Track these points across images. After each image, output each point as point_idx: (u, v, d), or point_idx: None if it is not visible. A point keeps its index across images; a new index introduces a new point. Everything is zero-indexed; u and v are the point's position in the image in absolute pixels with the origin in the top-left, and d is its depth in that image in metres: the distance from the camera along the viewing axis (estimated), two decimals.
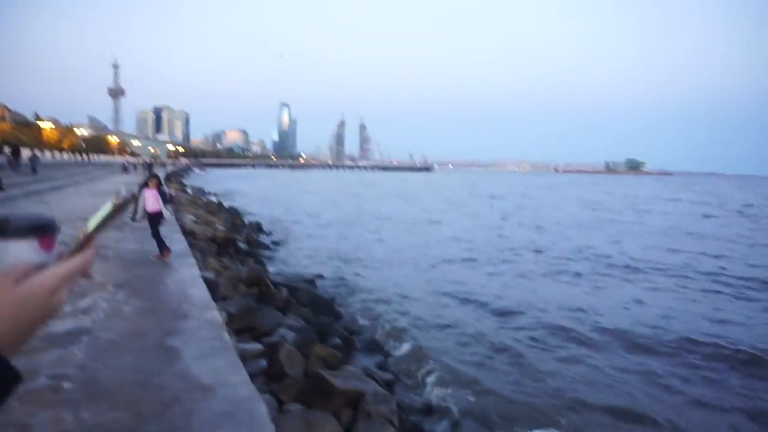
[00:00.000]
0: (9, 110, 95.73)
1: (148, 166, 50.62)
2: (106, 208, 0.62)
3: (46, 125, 73.19)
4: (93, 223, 0.61)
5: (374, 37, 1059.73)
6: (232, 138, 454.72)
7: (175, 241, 8.65)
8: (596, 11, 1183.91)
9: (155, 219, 7.69)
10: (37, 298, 0.56)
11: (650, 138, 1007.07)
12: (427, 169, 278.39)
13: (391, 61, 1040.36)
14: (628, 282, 12.49)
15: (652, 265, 14.49)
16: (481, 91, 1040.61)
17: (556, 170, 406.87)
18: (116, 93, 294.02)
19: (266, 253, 15.40)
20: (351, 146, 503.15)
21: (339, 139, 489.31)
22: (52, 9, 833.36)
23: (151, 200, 7.71)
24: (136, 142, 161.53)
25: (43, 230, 0.59)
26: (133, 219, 7.85)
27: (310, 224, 23.77)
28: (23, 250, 0.57)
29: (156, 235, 7.56)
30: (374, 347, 7.45)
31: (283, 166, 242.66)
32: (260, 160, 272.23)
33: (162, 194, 7.86)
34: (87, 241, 0.61)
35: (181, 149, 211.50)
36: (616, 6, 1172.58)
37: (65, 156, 60.22)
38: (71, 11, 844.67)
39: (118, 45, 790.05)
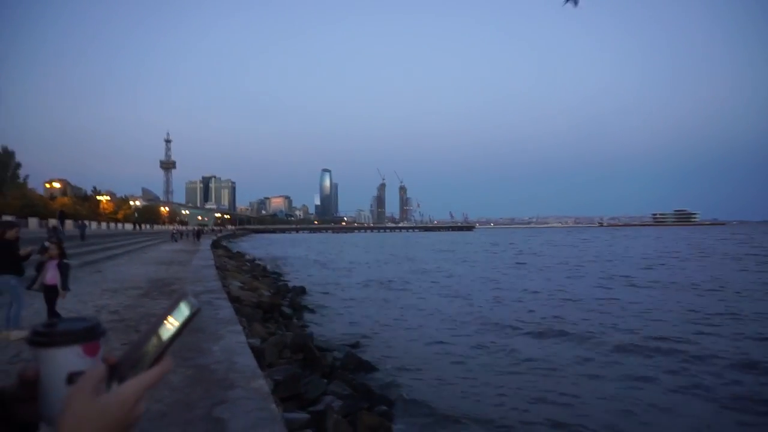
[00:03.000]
0: (70, 185, 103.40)
1: (197, 234, 52.55)
2: (181, 314, 0.58)
3: (102, 198, 78.32)
4: (168, 332, 0.60)
5: (414, 99, 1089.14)
6: (276, 204, 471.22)
7: (222, 307, 8.77)
8: (639, 58, 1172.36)
9: (51, 293, 6.94)
10: (120, 410, 0.57)
11: (700, 187, 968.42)
12: (468, 228, 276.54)
13: (430, 122, 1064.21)
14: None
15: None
16: (522, 147, 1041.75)
17: (601, 224, 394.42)
18: (168, 165, 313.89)
19: (310, 317, 15.41)
20: (391, 207, 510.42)
21: (379, 201, 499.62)
22: (108, 94, 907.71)
23: (50, 272, 6.96)
24: (185, 211, 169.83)
25: (88, 336, 0.60)
26: (29, 287, 7.08)
27: (352, 286, 23.82)
28: (70, 358, 0.58)
29: (50, 311, 6.84)
30: (417, 410, 7.32)
31: (326, 229, 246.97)
32: (303, 224, 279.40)
33: (62, 266, 7.08)
34: (163, 351, 0.61)
35: (227, 216, 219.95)
36: (663, 53, 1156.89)
37: (120, 226, 63.66)
38: (127, 91, 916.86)
39: (169, 118, 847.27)
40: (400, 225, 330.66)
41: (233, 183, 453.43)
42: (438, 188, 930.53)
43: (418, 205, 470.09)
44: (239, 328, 7.19)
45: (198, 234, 52.62)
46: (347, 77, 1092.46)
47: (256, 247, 69.36)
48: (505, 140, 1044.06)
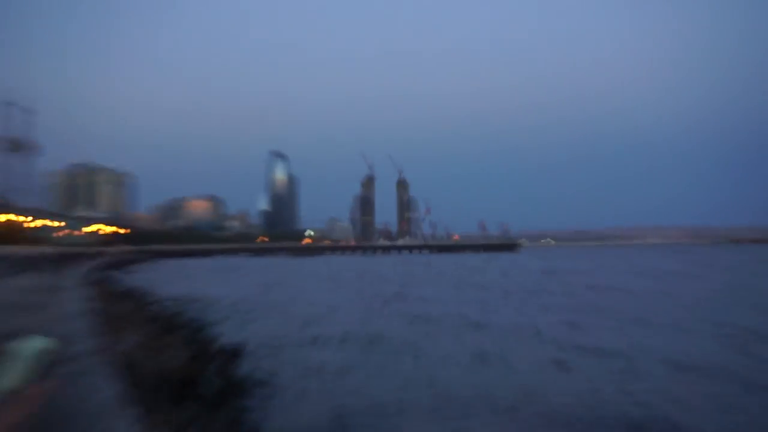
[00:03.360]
0: None
1: (59, 260, 52.21)
2: (26, 351, 1.14)
3: None
4: (11, 376, 1.13)
5: (419, 56, 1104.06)
6: (198, 209, 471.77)
7: (99, 385, 8.61)
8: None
9: None
10: None
11: None
12: (509, 246, 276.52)
13: (445, 86, 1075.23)
14: None
15: None
16: (595, 127, 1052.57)
17: (736, 241, 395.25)
18: (21, 147, 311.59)
19: (249, 400, 15.23)
20: (385, 214, 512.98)
21: (365, 204, 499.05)
22: None
23: None
24: (42, 221, 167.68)
25: None
26: None
27: (322, 345, 24.18)
28: None
29: None
30: None
31: (279, 250, 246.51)
32: (241, 243, 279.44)
33: None
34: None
35: (117, 230, 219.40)
36: None
37: None
38: None
39: (28, 76, 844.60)
40: (399, 243, 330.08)
41: (128, 177, 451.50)
42: (460, 185, 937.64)
43: (428, 211, 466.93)
44: (130, 418, 7.06)
45: (61, 260, 52.30)
46: (312, 16, 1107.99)
47: (165, 280, 69.10)
48: (566, 118, 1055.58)
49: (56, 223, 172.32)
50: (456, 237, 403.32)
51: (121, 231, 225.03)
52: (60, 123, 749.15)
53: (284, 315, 35.90)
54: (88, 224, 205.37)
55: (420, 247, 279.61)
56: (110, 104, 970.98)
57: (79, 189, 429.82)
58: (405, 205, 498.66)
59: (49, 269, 49.67)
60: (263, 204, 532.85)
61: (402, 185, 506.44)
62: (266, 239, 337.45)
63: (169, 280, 69.95)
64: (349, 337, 25.94)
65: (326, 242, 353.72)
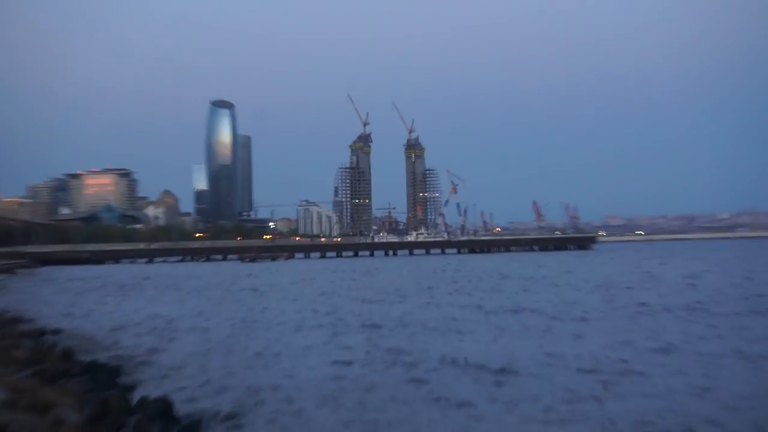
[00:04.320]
0: None
1: None
2: None
3: None
4: None
5: None
6: (97, 191, 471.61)
7: None
8: None
9: None
10: None
11: None
12: (580, 242, 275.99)
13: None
14: None
15: None
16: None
17: None
18: None
19: None
20: (388, 194, 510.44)
21: (357, 180, 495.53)
22: None
23: None
24: None
25: None
26: None
27: (296, 393, 24.75)
28: None
29: None
30: None
31: (222, 252, 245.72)
32: (165, 242, 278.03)
33: None
34: None
35: None
36: None
37: None
38: None
39: None
40: (411, 239, 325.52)
41: None
42: (501, 150, 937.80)
43: (454, 190, 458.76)
44: None
45: None
46: None
47: (49, 300, 69.65)
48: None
49: None
50: (498, 229, 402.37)
51: None
52: None
53: (241, 343, 36.99)
54: None
55: (442, 245, 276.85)
56: None
57: None
58: (419, 180, 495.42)
59: None
60: (199, 181, 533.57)
61: (414, 150, 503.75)
62: (201, 235, 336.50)
63: (55, 299, 69.97)
64: (345, 378, 26.94)
65: (295, 239, 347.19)
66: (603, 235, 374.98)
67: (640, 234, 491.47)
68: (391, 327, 45.32)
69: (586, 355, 32.57)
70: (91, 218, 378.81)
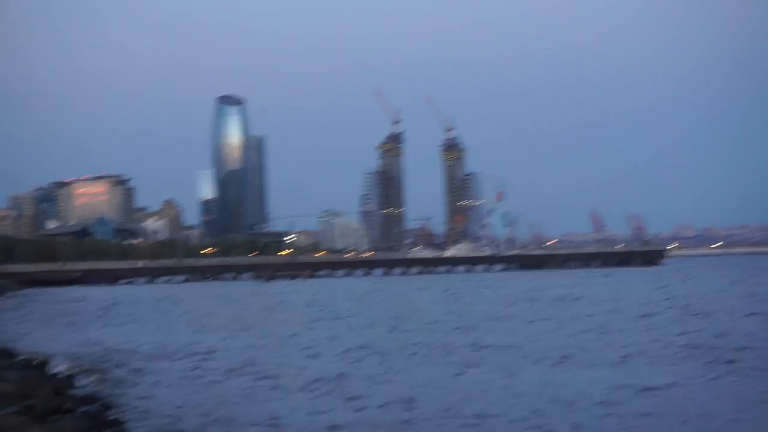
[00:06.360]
0: None
1: None
2: None
3: None
4: None
5: None
6: (92, 201, 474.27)
7: None
8: None
9: None
10: None
11: None
12: (647, 256, 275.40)
13: None
14: None
15: None
16: None
17: None
18: None
19: None
20: (423, 203, 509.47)
21: (387, 186, 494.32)
22: None
23: None
24: None
25: None
26: None
27: None
28: None
29: None
30: None
31: (234, 271, 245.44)
32: (168, 260, 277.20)
33: None
34: None
35: None
36: None
37: None
38: None
39: None
40: (450, 254, 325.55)
41: None
42: (554, 153, 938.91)
43: (500, 197, 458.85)
44: None
45: None
46: None
47: (36, 327, 70.20)
48: None
49: None
50: (554, 241, 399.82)
51: None
52: None
53: (260, 380, 36.88)
54: None
55: (487, 261, 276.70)
56: None
57: None
58: (458, 186, 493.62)
59: None
60: (205, 189, 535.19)
61: (452, 152, 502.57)
62: (209, 251, 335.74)
63: (36, 327, 70.34)
64: None
65: (316, 255, 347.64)
66: (676, 248, 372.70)
67: (717, 246, 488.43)
68: None
69: None
70: (82, 232, 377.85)
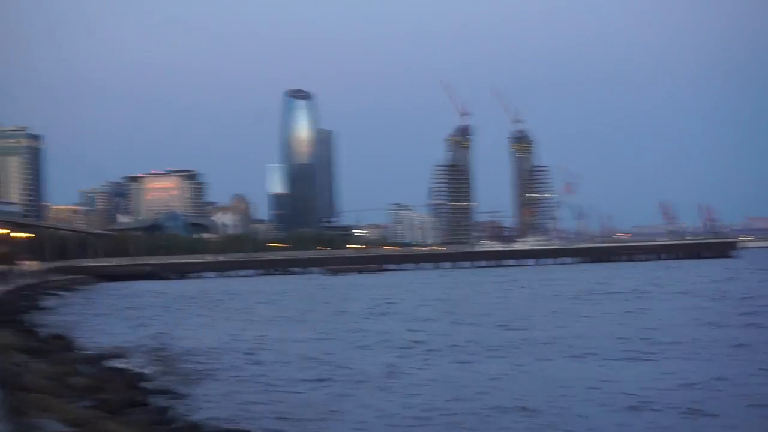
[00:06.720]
0: None
1: None
2: None
3: None
4: None
5: None
6: (161, 195, 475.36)
7: None
8: None
9: None
10: None
11: None
12: (718, 248, 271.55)
13: None
14: None
15: None
16: None
17: None
18: None
19: None
20: (491, 197, 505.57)
21: (456, 179, 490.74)
22: None
23: None
24: None
25: None
26: None
27: None
28: None
29: None
30: None
31: (302, 265, 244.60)
32: (237, 254, 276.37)
33: None
34: None
35: (24, 235, 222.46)
36: None
37: None
38: None
39: None
40: (519, 246, 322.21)
41: (36, 141, 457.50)
42: (623, 144, 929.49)
43: (569, 190, 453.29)
44: None
45: None
46: None
47: (109, 321, 70.62)
48: None
49: None
50: (627, 234, 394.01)
51: (23, 235, 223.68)
52: None
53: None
54: None
55: (556, 254, 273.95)
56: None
57: None
58: (527, 178, 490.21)
59: None
60: (274, 183, 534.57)
61: (521, 144, 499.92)
62: (283, 245, 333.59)
63: (109, 321, 71.05)
64: None
65: (385, 248, 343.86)
66: (749, 240, 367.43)
67: None
68: None
69: None
70: (153, 227, 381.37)
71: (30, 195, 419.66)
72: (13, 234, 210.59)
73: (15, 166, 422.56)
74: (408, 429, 25.85)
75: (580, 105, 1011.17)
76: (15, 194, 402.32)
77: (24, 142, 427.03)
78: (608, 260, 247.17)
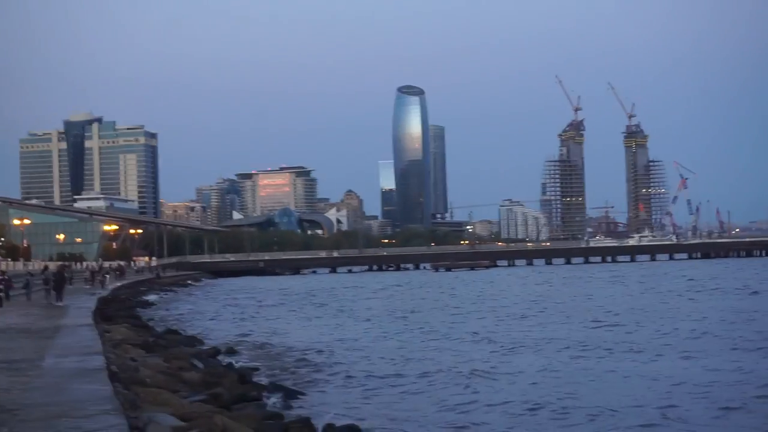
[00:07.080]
0: None
1: (56, 281, 54.06)
2: None
3: None
4: None
5: None
6: (272, 191, 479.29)
7: None
8: None
9: None
10: None
11: None
12: None
13: None
14: None
15: None
16: None
17: None
18: None
19: None
20: (604, 191, 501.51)
21: (568, 174, 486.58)
22: None
23: None
24: (22, 220, 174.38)
25: None
26: None
27: None
28: None
29: None
30: None
31: (413, 261, 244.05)
32: (349, 250, 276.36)
33: None
34: None
35: (136, 231, 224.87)
36: None
37: None
38: None
39: None
40: (632, 243, 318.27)
41: (151, 138, 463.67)
42: (744, 135, 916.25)
43: (684, 185, 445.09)
44: None
45: (59, 281, 54.18)
46: None
47: (223, 316, 71.53)
48: None
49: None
50: (737, 229, 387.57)
51: (140, 231, 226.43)
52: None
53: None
54: (98, 227, 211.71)
55: (670, 249, 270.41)
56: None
57: (84, 161, 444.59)
58: (641, 174, 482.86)
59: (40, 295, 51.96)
60: (385, 179, 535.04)
61: (635, 139, 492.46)
62: (390, 242, 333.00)
63: (223, 317, 71.84)
64: None
65: (499, 245, 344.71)
66: None
67: None
68: None
69: None
70: (266, 223, 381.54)
71: (146, 192, 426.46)
72: (130, 230, 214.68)
73: (132, 163, 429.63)
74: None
75: (694, 100, 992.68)
76: (132, 191, 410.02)
77: (141, 140, 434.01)
78: (723, 256, 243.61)
